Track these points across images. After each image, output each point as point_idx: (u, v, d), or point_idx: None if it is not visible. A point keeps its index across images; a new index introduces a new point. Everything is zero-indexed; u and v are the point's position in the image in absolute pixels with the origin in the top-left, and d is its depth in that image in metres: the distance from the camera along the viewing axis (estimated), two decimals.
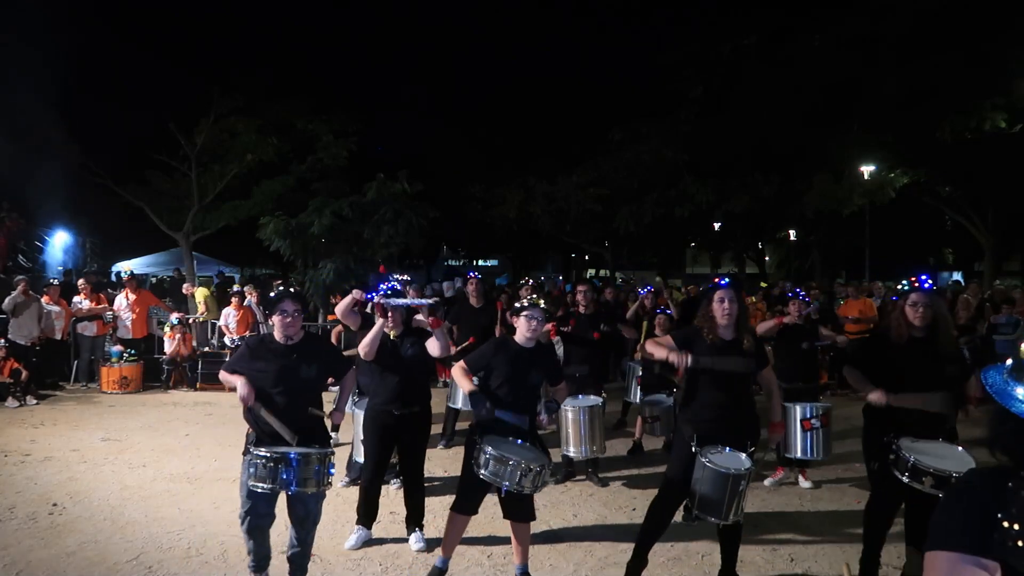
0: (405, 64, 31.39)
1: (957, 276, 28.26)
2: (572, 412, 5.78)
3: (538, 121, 26.12)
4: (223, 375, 4.15)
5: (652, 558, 4.48)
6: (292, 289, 4.11)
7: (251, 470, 3.73)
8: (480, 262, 42.27)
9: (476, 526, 4.61)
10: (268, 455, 3.69)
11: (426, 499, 4.92)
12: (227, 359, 4.06)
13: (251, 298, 12.17)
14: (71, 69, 15.08)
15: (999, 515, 1.28)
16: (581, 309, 6.63)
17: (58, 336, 10.85)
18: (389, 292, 4.59)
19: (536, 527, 5.09)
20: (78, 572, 4.34)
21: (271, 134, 17.71)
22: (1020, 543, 1.25)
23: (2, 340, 9.91)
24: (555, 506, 5.61)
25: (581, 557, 4.61)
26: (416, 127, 27.26)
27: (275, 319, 3.99)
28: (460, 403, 6.97)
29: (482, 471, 3.81)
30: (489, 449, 3.81)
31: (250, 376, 3.92)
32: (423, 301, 4.79)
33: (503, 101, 27.47)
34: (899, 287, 4.43)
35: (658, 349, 4.07)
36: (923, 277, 4.18)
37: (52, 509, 5.40)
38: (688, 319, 5.46)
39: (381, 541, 4.82)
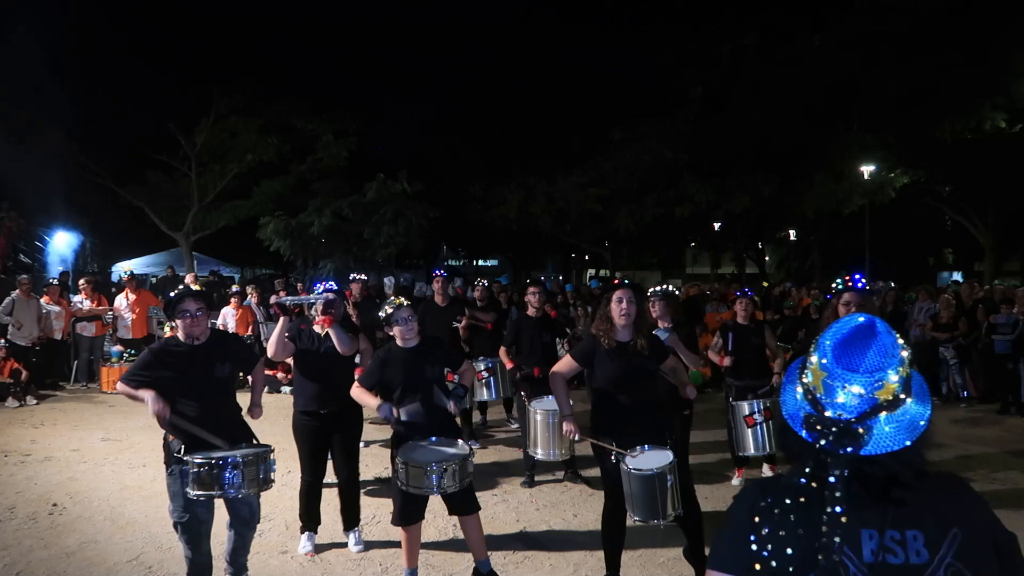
0: (405, 64, 31.39)
1: (957, 276, 28.25)
2: (541, 415, 5.73)
3: (538, 121, 26.10)
4: (122, 387, 3.80)
5: (652, 558, 4.49)
6: (194, 287, 4.02)
7: (190, 479, 3.55)
8: (480, 262, 42.27)
9: None
10: (209, 462, 3.52)
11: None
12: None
13: (252, 298, 12.17)
14: (71, 69, 15.08)
15: (751, 534, 1.26)
16: (531, 311, 6.58)
17: (58, 336, 10.86)
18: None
19: (536, 527, 5.10)
20: (78, 572, 4.34)
21: (271, 134, 17.73)
22: (765, 556, 1.24)
23: (2, 340, 9.91)
24: (555, 506, 5.61)
25: (581, 557, 4.60)
26: (416, 127, 27.29)
27: (177, 321, 3.78)
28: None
29: (404, 484, 3.84)
30: (402, 461, 3.82)
31: (157, 385, 3.68)
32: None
33: (503, 101, 27.45)
34: (833, 286, 4.45)
35: (557, 388, 4.10)
36: (856, 276, 4.20)
37: (52, 509, 5.40)
38: (689, 319, 5.46)
39: (381, 541, 4.82)
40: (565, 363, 4.16)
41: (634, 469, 3.73)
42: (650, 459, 3.79)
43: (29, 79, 14.77)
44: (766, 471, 6.20)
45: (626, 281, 4.09)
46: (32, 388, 9.86)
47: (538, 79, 27.46)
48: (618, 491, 3.88)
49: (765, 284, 21.09)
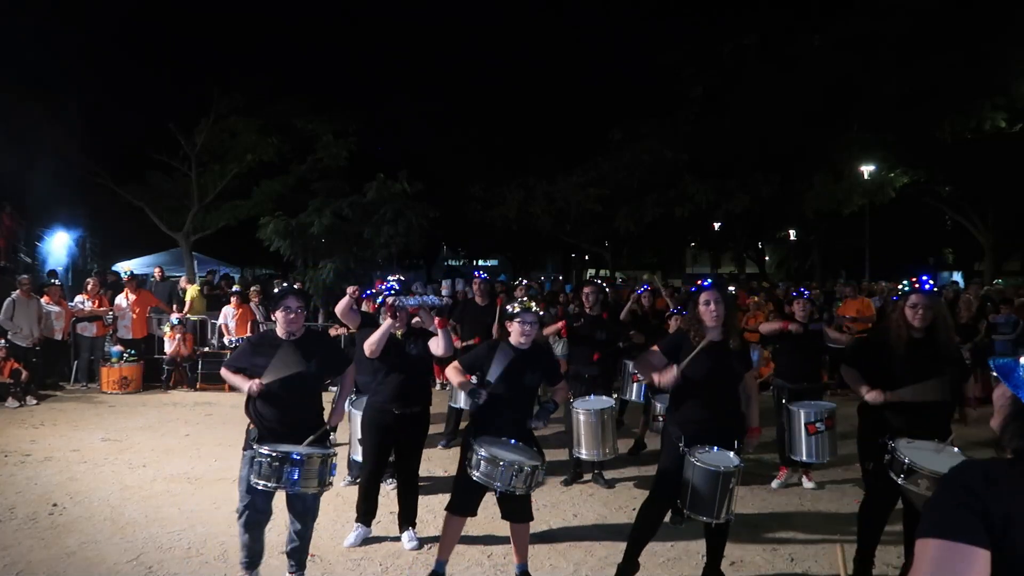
0: (405, 64, 31.38)
1: (957, 276, 28.28)
2: (584, 415, 5.73)
3: (538, 121, 26.10)
4: (225, 372, 4.16)
5: (652, 558, 4.48)
6: (296, 286, 4.10)
7: (254, 467, 3.73)
8: (480, 262, 42.26)
9: (476, 526, 4.61)
10: (273, 454, 3.69)
11: (426, 498, 4.93)
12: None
13: (252, 299, 12.16)
14: (72, 69, 15.07)
15: (988, 505, 1.30)
16: (588, 309, 6.61)
17: (58, 336, 10.85)
18: (394, 291, 4.57)
19: (536, 527, 5.09)
20: (78, 572, 4.34)
21: (271, 134, 17.71)
22: (1006, 531, 1.28)
23: (2, 340, 9.91)
24: (555, 506, 5.61)
25: (581, 557, 4.61)
26: (416, 127, 27.23)
27: (279, 315, 4.01)
28: (463, 403, 6.95)
29: (474, 472, 3.84)
30: (481, 450, 3.82)
31: (252, 372, 3.95)
32: (431, 300, 4.79)
33: (503, 101, 27.46)
34: (900, 288, 4.43)
35: (645, 369, 4.13)
36: (924, 278, 4.17)
37: (52, 509, 5.40)
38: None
39: (381, 541, 4.82)
40: (653, 352, 4.12)
41: (700, 462, 3.75)
42: (718, 458, 3.82)
43: (29, 79, 14.75)
44: (805, 483, 6.17)
45: (710, 281, 4.08)
46: (32, 388, 9.86)
47: (538, 79, 27.48)
48: (666, 493, 3.91)
49: (765, 284, 21.07)
